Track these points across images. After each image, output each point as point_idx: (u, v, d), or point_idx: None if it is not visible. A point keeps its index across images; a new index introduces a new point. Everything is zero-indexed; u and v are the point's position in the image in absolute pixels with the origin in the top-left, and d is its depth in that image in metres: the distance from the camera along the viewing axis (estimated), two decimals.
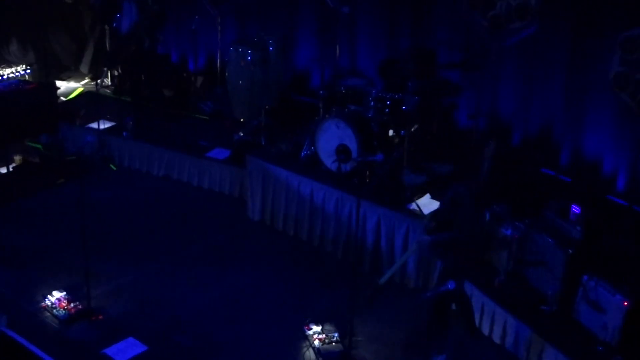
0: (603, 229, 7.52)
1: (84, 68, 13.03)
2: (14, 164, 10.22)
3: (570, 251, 7.02)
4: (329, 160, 8.85)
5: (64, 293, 7.65)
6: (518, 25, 9.02)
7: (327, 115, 9.08)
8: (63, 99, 12.19)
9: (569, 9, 8.67)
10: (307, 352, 7.18)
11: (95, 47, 12.85)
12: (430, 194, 8.44)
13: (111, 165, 10.70)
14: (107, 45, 12.41)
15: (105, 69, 12.69)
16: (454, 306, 6.91)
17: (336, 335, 7.27)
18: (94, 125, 10.93)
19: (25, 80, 11.43)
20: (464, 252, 6.82)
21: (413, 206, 8.24)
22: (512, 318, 7.09)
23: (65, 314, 7.44)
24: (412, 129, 8.74)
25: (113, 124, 11.13)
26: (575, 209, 7.23)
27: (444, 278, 6.62)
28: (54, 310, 7.48)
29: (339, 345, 7.20)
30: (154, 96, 11.71)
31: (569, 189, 8.72)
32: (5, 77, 11.55)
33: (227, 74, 10.94)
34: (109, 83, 12.67)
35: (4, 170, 10.04)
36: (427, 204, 8.29)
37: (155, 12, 11.13)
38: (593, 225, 7.29)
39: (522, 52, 9.21)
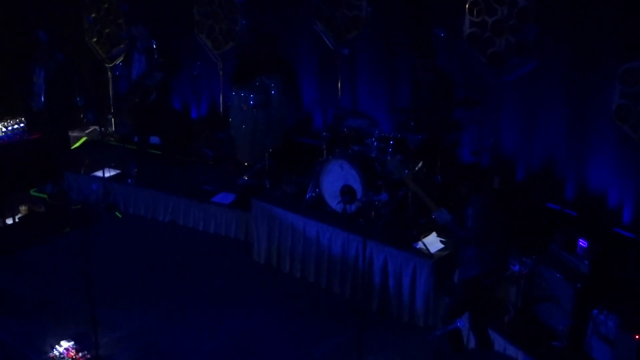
0: (611, 262, 7.49)
1: None
2: (19, 214, 10.24)
3: (578, 285, 6.99)
4: (334, 202, 8.85)
5: (72, 342, 7.61)
6: (517, 61, 9.08)
7: (330, 157, 9.11)
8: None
9: (568, 43, 8.72)
10: None
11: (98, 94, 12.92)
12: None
13: (117, 213, 10.71)
14: (110, 93, 12.50)
15: (109, 116, 12.76)
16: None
17: None
18: (99, 173, 10.97)
19: (29, 130, 11.48)
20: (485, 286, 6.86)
21: (420, 245, 8.22)
22: (524, 355, 7.03)
23: None
24: (417, 168, 8.72)
25: (117, 171, 11.17)
26: (582, 242, 7.21)
27: (453, 316, 6.61)
28: None
29: None
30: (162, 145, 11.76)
31: (575, 222, 8.69)
32: (9, 127, 11.62)
33: (229, 118, 11.01)
34: (113, 130, 12.73)
35: (10, 220, 10.06)
36: (434, 242, 8.27)
37: (164, 65, 11.23)
38: (601, 259, 7.26)
39: (522, 87, 9.25)
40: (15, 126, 11.63)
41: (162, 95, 11.30)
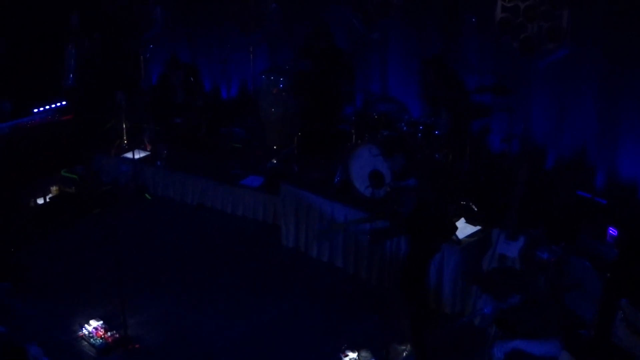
0: None
1: None
2: (50, 195, 10.32)
3: (607, 274, 6.94)
4: (362, 186, 8.84)
5: (101, 322, 7.69)
6: (550, 47, 9.00)
7: (359, 141, 9.09)
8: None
9: (601, 30, 8.64)
10: None
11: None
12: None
13: (146, 195, 10.78)
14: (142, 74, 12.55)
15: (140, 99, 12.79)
16: None
17: None
18: (129, 155, 11.03)
19: (61, 111, 11.55)
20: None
21: None
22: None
23: (102, 342, 7.48)
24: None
25: (147, 153, 11.22)
26: (612, 231, 7.16)
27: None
28: (91, 339, 7.52)
29: None
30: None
31: (605, 211, 8.63)
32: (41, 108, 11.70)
33: (259, 102, 11.01)
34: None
35: (41, 201, 10.15)
36: (462, 228, 8.24)
37: (189, 65, 11.37)
38: (630, 247, 7.20)
39: (554, 74, 9.18)
40: (47, 107, 11.71)
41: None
